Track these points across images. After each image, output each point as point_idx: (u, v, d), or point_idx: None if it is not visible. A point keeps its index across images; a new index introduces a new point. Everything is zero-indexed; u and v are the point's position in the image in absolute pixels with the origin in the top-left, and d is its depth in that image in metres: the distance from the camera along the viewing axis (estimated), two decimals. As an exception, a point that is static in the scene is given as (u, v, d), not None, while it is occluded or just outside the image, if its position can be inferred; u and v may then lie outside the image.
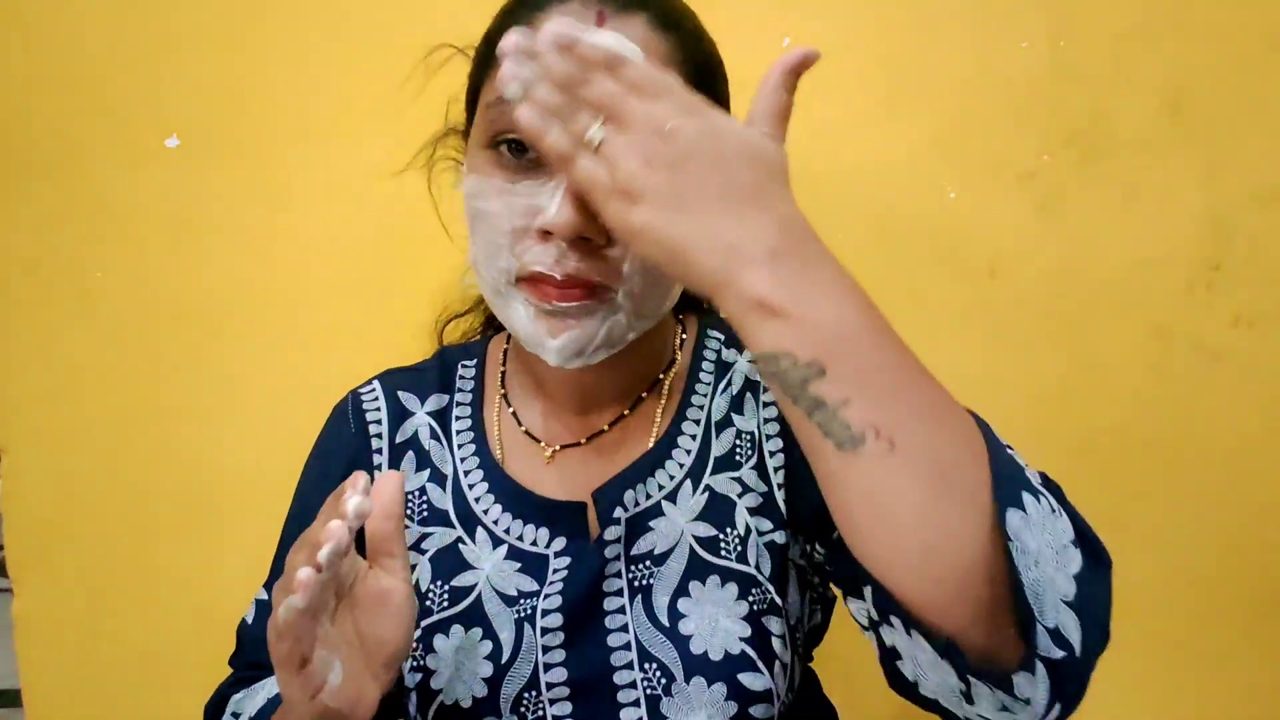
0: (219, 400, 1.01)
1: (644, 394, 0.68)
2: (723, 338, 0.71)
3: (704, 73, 0.60)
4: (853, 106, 0.93)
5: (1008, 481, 0.45)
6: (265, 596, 0.70)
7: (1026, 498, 0.45)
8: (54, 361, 1.02)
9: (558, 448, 0.68)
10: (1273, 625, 0.94)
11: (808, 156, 0.85)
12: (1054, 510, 0.46)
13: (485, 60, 0.61)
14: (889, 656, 0.51)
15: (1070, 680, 0.44)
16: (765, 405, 0.67)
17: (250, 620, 0.70)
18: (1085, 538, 0.46)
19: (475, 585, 0.65)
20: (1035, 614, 0.43)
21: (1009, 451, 0.47)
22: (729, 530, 0.64)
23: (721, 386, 0.68)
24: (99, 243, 1.00)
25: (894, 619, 0.48)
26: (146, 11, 0.98)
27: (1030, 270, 0.93)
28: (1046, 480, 0.49)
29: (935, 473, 0.44)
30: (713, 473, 0.65)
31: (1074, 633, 0.43)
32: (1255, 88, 0.89)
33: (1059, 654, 0.43)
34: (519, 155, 0.56)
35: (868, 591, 0.50)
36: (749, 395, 0.67)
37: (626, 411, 0.68)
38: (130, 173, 0.99)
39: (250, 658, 0.69)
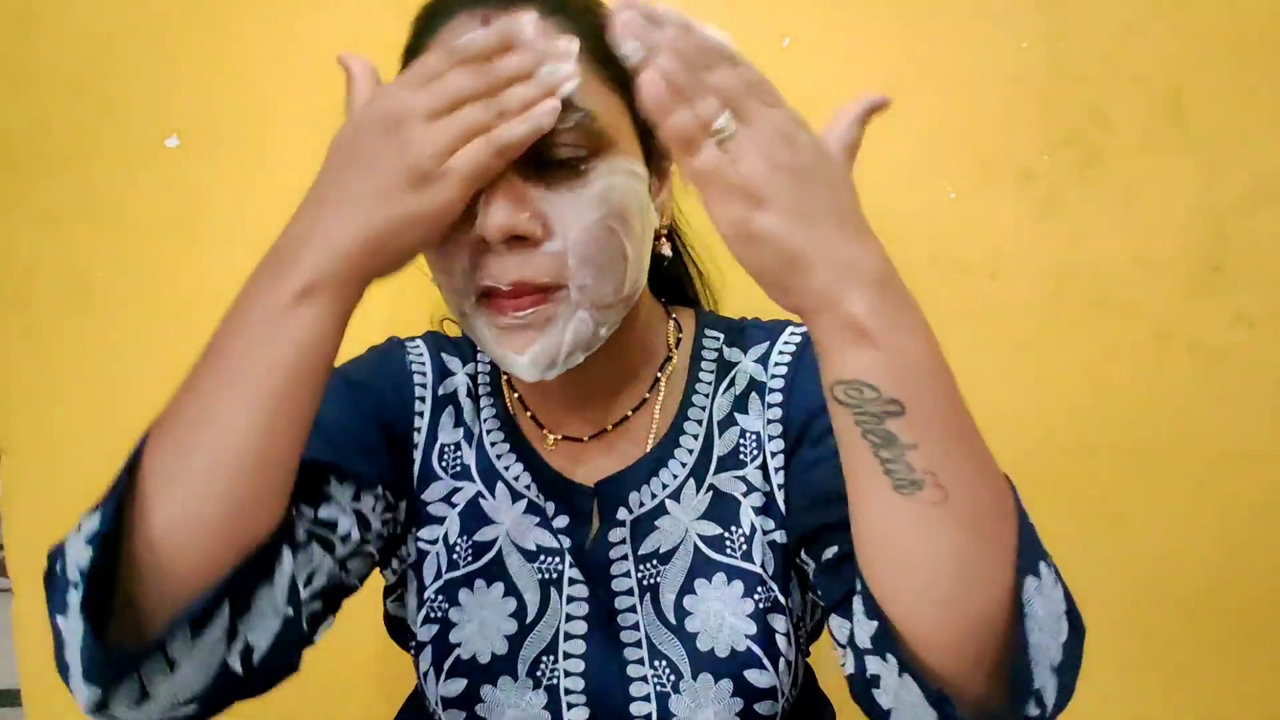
0: (219, 400, 1.01)
1: (646, 394, 0.68)
2: (722, 336, 0.70)
3: (611, 67, 0.55)
4: (853, 107, 0.92)
5: (1029, 547, 0.46)
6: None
7: (1042, 566, 0.46)
8: (54, 361, 1.02)
9: (559, 437, 0.68)
10: (1271, 624, 0.94)
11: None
12: (1056, 580, 0.47)
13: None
14: (867, 682, 0.50)
15: None
16: (770, 406, 0.66)
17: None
18: (1072, 608, 0.48)
19: (496, 540, 0.66)
20: (1032, 676, 0.44)
21: (1028, 518, 0.49)
22: (734, 529, 0.64)
23: (724, 386, 0.68)
24: (99, 242, 1.00)
25: (890, 657, 0.47)
26: (147, 11, 0.97)
27: (1030, 270, 0.93)
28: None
29: (975, 527, 0.45)
30: (716, 471, 0.65)
31: (1051, 695, 0.45)
32: (1255, 88, 0.89)
33: (1034, 712, 0.45)
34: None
35: (861, 619, 0.49)
36: (754, 395, 0.67)
37: (630, 413, 0.67)
38: (130, 173, 0.99)
39: None
